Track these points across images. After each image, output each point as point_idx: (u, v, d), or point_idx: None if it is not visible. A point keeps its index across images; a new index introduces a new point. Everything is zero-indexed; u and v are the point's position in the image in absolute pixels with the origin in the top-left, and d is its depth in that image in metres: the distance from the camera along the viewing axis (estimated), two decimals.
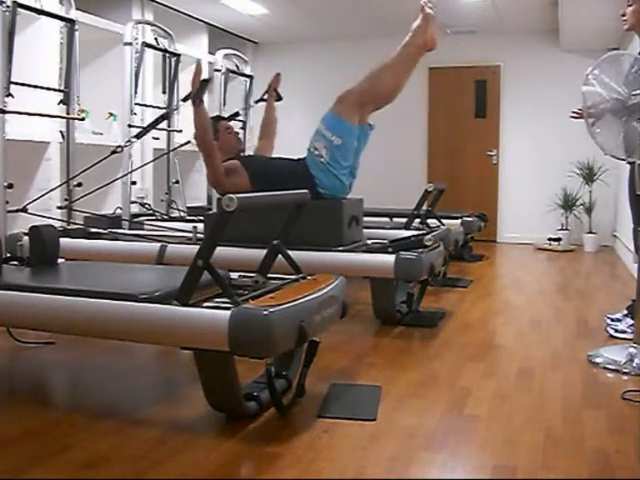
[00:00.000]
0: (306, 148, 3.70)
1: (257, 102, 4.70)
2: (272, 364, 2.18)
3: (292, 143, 4.50)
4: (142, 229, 4.41)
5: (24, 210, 3.99)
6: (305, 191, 2.58)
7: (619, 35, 6.57)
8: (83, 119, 4.70)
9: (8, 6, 3.79)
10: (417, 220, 4.72)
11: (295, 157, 3.78)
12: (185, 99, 3.62)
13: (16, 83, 3.90)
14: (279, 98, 4.27)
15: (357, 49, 8.31)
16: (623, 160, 3.00)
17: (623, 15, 3.34)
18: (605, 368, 2.87)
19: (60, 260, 2.99)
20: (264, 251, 2.55)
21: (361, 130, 3.64)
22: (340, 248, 3.50)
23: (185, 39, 6.98)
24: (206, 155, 3.64)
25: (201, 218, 4.37)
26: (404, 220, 4.74)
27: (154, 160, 4.86)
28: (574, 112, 3.34)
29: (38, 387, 2.76)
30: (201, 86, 3.52)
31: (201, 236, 3.79)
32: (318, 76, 8.43)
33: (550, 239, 7.36)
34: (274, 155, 4.29)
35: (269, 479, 1.83)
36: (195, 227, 3.92)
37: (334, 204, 3.60)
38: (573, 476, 1.87)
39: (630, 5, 3.29)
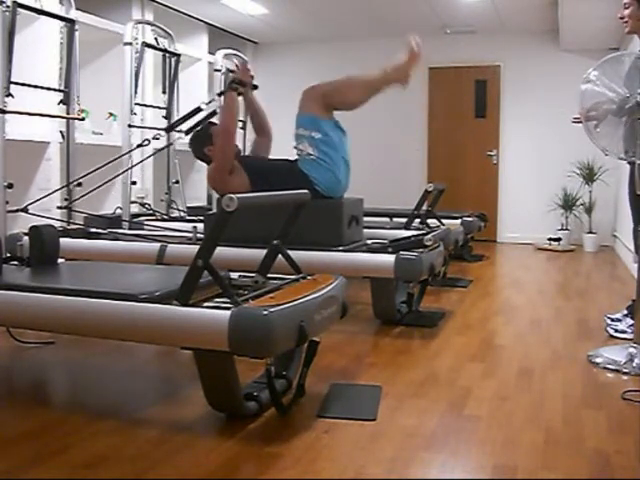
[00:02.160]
0: (295, 155, 3.75)
1: (220, 95, 4.26)
2: (272, 364, 2.18)
3: (292, 143, 4.49)
4: (142, 229, 4.41)
5: (24, 210, 3.99)
6: (305, 191, 2.58)
7: (619, 35, 6.58)
8: (83, 119, 4.70)
9: (8, 6, 3.79)
10: (417, 220, 4.72)
11: (292, 158, 3.80)
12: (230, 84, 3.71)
13: (16, 83, 3.90)
14: (254, 87, 3.96)
15: (357, 49, 8.31)
16: (624, 160, 3.01)
17: (621, 18, 3.34)
18: (605, 368, 2.87)
19: (60, 260, 2.99)
20: (264, 251, 2.55)
21: (334, 122, 3.70)
22: (340, 248, 3.50)
23: (185, 39, 6.98)
24: (223, 143, 3.63)
25: (201, 218, 4.37)
26: (404, 220, 4.74)
27: (148, 157, 4.83)
28: (575, 118, 3.33)
29: (38, 387, 2.76)
30: (242, 82, 3.69)
31: (201, 236, 3.79)
32: (318, 76, 8.32)
33: (550, 239, 7.36)
34: (272, 154, 4.29)
35: (269, 479, 1.83)
36: (195, 227, 3.91)
37: (334, 204, 3.60)
38: (573, 476, 1.87)
39: (627, 7, 3.29)
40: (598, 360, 2.94)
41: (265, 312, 1.99)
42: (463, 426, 2.22)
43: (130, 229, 4.43)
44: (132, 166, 4.81)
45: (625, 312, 3.47)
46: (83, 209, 4.47)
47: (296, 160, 3.73)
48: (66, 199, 4.39)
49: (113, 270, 2.87)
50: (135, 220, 4.71)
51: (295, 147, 3.74)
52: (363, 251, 3.55)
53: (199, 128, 3.99)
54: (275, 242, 2.53)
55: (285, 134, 4.31)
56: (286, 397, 2.35)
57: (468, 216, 5.70)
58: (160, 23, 5.54)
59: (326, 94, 3.66)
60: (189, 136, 4.08)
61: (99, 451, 1.98)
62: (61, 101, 4.36)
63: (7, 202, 3.84)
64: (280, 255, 2.54)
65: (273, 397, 2.22)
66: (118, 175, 4.69)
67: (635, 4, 3.26)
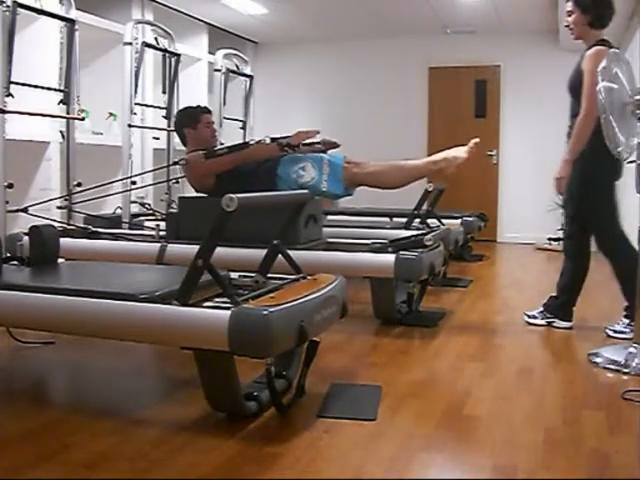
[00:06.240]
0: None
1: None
2: (272, 364, 2.18)
3: None
4: (142, 229, 4.41)
5: (24, 210, 3.99)
6: (305, 191, 2.58)
7: (619, 35, 6.57)
8: (83, 119, 4.70)
9: (8, 6, 3.79)
10: (417, 220, 4.72)
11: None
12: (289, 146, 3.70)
13: (16, 83, 3.90)
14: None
15: (357, 49, 8.31)
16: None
17: (567, 26, 3.35)
18: (605, 368, 2.87)
19: (60, 260, 2.99)
20: (264, 251, 2.55)
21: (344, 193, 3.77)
22: (297, 247, 3.43)
23: (185, 39, 6.98)
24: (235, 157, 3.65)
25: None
26: (404, 220, 4.74)
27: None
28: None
29: (38, 387, 2.76)
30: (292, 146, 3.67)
31: (163, 233, 3.79)
32: (318, 76, 8.43)
33: (550, 239, 7.36)
34: None
35: (269, 479, 1.83)
36: (158, 225, 3.91)
37: None
38: (573, 476, 1.87)
39: (570, 15, 3.30)
40: (598, 360, 2.94)
41: (265, 312, 1.99)
42: (463, 426, 2.22)
43: (130, 229, 4.43)
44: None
45: (624, 313, 3.47)
46: (83, 209, 4.47)
47: (282, 157, 3.72)
48: (66, 199, 4.39)
49: (113, 270, 2.87)
50: (135, 220, 4.71)
51: (298, 164, 3.71)
52: (321, 249, 3.56)
53: (199, 108, 3.95)
54: (275, 242, 2.53)
55: (282, 132, 4.29)
56: (286, 397, 2.35)
57: (468, 216, 5.70)
58: (160, 23, 5.54)
59: (366, 177, 3.72)
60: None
61: (99, 451, 1.99)
62: (61, 101, 4.35)
63: (7, 202, 3.84)
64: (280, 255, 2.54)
65: (273, 397, 2.22)
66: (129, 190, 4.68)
67: (578, 10, 3.27)
